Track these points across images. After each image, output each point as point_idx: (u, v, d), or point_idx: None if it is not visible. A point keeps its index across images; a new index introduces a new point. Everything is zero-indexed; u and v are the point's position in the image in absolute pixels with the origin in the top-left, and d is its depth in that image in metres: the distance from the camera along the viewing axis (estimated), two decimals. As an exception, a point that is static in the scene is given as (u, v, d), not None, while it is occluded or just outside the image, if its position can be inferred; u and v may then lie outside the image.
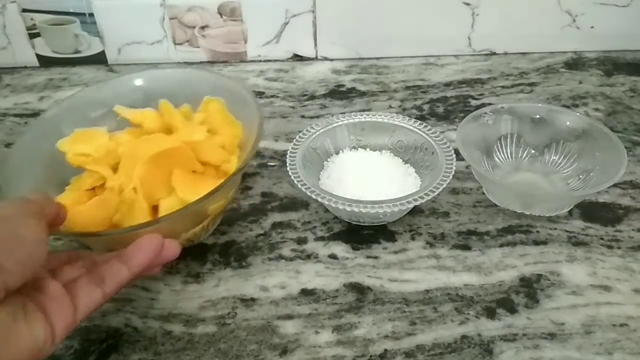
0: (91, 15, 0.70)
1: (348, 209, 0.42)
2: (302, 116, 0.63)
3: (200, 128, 0.44)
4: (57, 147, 0.44)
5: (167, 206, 0.40)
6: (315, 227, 0.48)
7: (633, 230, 0.46)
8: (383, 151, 0.52)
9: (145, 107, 0.48)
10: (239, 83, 0.49)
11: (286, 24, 0.71)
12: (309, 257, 0.45)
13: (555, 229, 0.47)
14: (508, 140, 0.53)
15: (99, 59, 0.73)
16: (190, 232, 0.42)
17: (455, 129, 0.54)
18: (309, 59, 0.74)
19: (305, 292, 0.42)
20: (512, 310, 0.40)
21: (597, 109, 0.62)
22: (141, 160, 0.40)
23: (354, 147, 0.52)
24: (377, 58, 0.74)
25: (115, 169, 0.42)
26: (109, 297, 0.32)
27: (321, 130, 0.51)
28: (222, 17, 0.70)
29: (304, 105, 0.65)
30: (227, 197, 0.44)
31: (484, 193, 0.50)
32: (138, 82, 0.51)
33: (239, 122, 0.47)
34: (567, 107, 0.62)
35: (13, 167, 0.42)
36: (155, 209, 0.40)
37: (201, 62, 0.74)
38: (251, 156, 0.41)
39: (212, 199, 0.38)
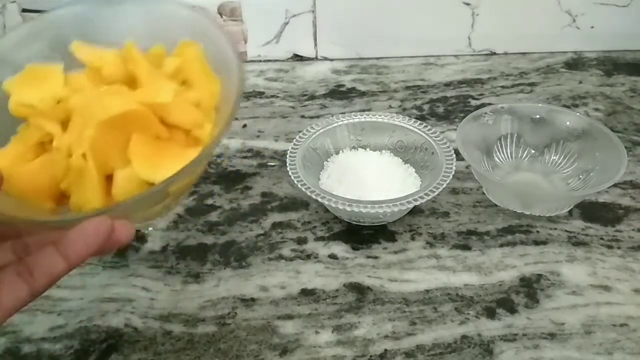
0: (91, 15, 0.70)
1: (348, 209, 0.42)
2: (302, 116, 0.63)
3: (168, 85, 0.35)
4: (3, 87, 0.36)
5: (123, 178, 0.33)
6: (315, 227, 0.48)
7: (633, 230, 0.46)
8: (383, 151, 0.52)
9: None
10: (220, 28, 0.38)
11: (286, 24, 0.71)
12: (309, 257, 0.45)
13: (555, 229, 0.47)
14: (508, 140, 0.53)
15: (99, 59, 0.73)
16: (148, 211, 0.36)
17: (455, 129, 0.54)
18: (309, 59, 0.74)
19: (305, 292, 0.42)
20: (512, 310, 0.40)
21: (597, 109, 0.62)
22: (93, 122, 0.33)
23: (354, 147, 0.52)
24: (377, 58, 0.73)
25: (65, 123, 0.35)
26: (38, 294, 0.27)
27: (321, 130, 0.51)
28: (222, 17, 0.70)
29: (304, 105, 0.65)
30: (197, 174, 0.37)
31: (484, 193, 0.50)
32: (97, 13, 0.40)
33: (218, 79, 0.37)
34: (567, 107, 0.62)
35: None
36: (109, 178, 0.34)
37: (201, 62, 0.74)
38: (229, 125, 0.32)
39: (177, 179, 0.31)
